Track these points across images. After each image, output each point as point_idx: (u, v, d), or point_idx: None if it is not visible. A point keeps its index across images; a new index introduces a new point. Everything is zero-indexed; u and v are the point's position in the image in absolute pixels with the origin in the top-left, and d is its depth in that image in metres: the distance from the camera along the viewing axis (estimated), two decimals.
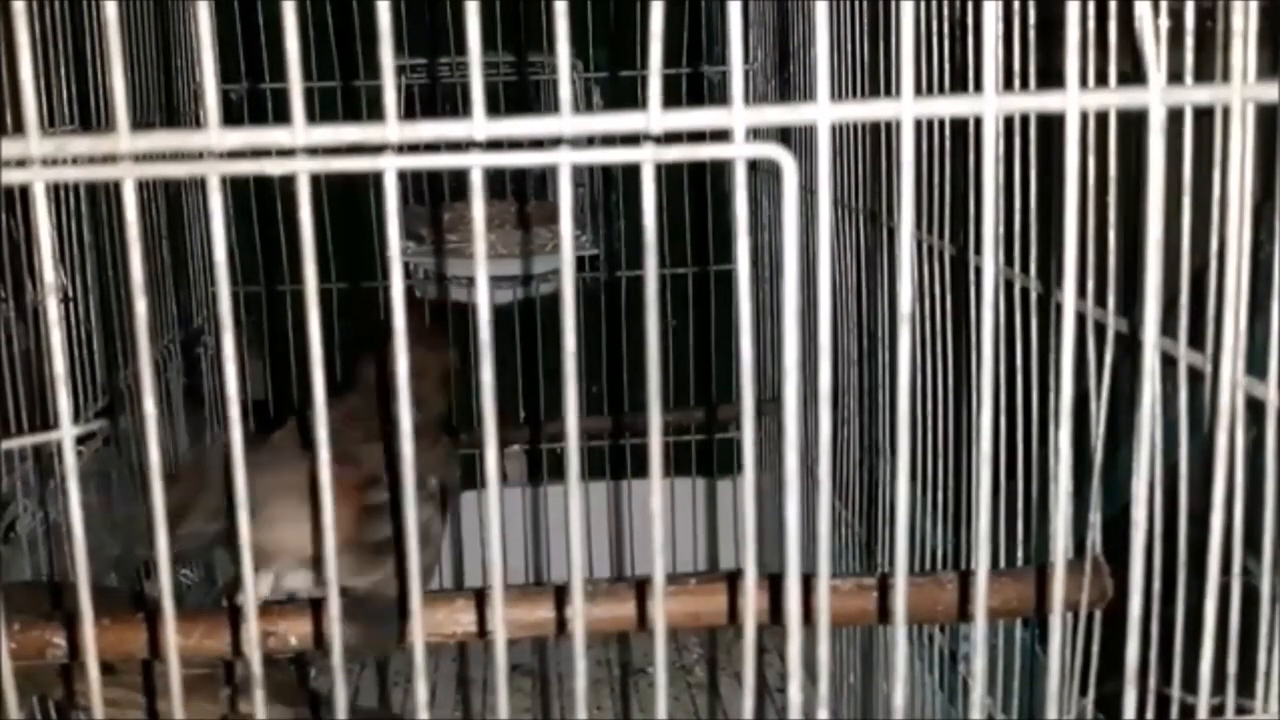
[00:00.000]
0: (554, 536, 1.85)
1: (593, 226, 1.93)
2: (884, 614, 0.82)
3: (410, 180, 1.89)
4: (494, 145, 0.41)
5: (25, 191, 0.42)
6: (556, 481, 1.85)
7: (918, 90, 0.43)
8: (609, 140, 0.42)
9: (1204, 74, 0.57)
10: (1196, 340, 0.59)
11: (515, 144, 0.42)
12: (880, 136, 1.13)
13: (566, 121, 0.41)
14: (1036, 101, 0.49)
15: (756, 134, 0.42)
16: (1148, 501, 0.48)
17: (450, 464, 1.02)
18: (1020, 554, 0.83)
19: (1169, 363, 0.61)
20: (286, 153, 0.41)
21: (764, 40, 1.69)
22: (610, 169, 1.86)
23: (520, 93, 1.81)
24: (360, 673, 1.74)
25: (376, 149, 0.41)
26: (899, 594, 0.46)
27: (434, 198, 1.90)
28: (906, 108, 0.42)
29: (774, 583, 0.66)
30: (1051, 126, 0.49)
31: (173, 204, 1.57)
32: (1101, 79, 0.65)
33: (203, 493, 0.93)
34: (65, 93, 1.15)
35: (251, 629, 0.46)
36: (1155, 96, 0.43)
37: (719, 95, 1.83)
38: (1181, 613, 0.59)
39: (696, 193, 1.85)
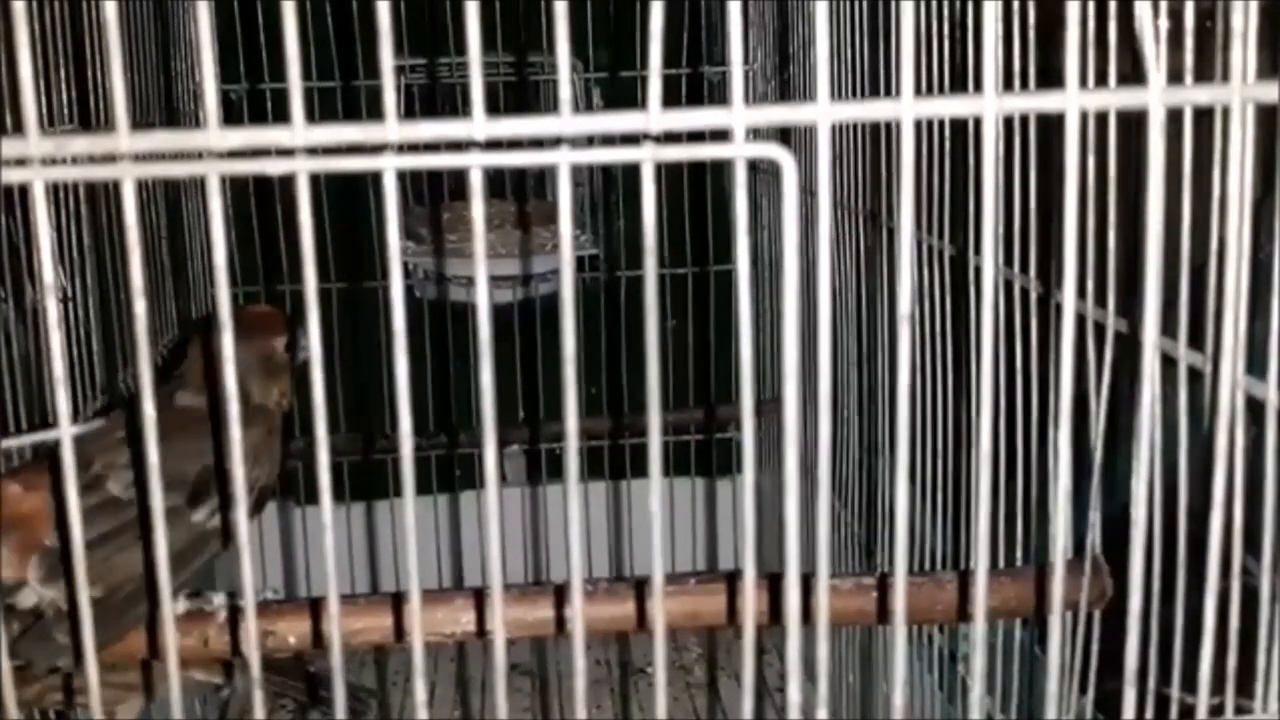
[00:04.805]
0: (554, 536, 1.85)
1: (593, 226, 1.93)
2: (883, 614, 0.82)
3: (410, 180, 1.89)
4: (494, 145, 0.41)
5: (25, 191, 0.42)
6: (556, 481, 1.85)
7: (918, 90, 0.43)
8: (609, 140, 0.42)
9: (1204, 74, 0.57)
10: (1196, 340, 0.59)
11: (515, 144, 0.42)
12: (880, 137, 1.13)
13: (566, 121, 0.41)
14: (1036, 101, 0.49)
15: (756, 134, 0.42)
16: (1148, 501, 0.48)
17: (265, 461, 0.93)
18: (1020, 554, 0.83)
19: (1169, 363, 0.61)
20: (286, 153, 0.41)
21: (764, 41, 1.69)
22: (610, 169, 1.86)
23: (520, 93, 1.81)
24: (360, 671, 1.74)
25: (376, 149, 0.41)
26: (898, 594, 0.46)
27: (434, 198, 1.90)
28: (906, 108, 0.42)
29: (773, 583, 0.66)
30: (1051, 126, 0.49)
31: (172, 205, 1.57)
32: (1101, 79, 0.66)
33: None
34: (65, 93, 1.15)
35: (251, 629, 0.46)
36: (1155, 96, 0.43)
37: (719, 95, 1.83)
38: (1181, 612, 0.59)
39: (696, 193, 1.85)
